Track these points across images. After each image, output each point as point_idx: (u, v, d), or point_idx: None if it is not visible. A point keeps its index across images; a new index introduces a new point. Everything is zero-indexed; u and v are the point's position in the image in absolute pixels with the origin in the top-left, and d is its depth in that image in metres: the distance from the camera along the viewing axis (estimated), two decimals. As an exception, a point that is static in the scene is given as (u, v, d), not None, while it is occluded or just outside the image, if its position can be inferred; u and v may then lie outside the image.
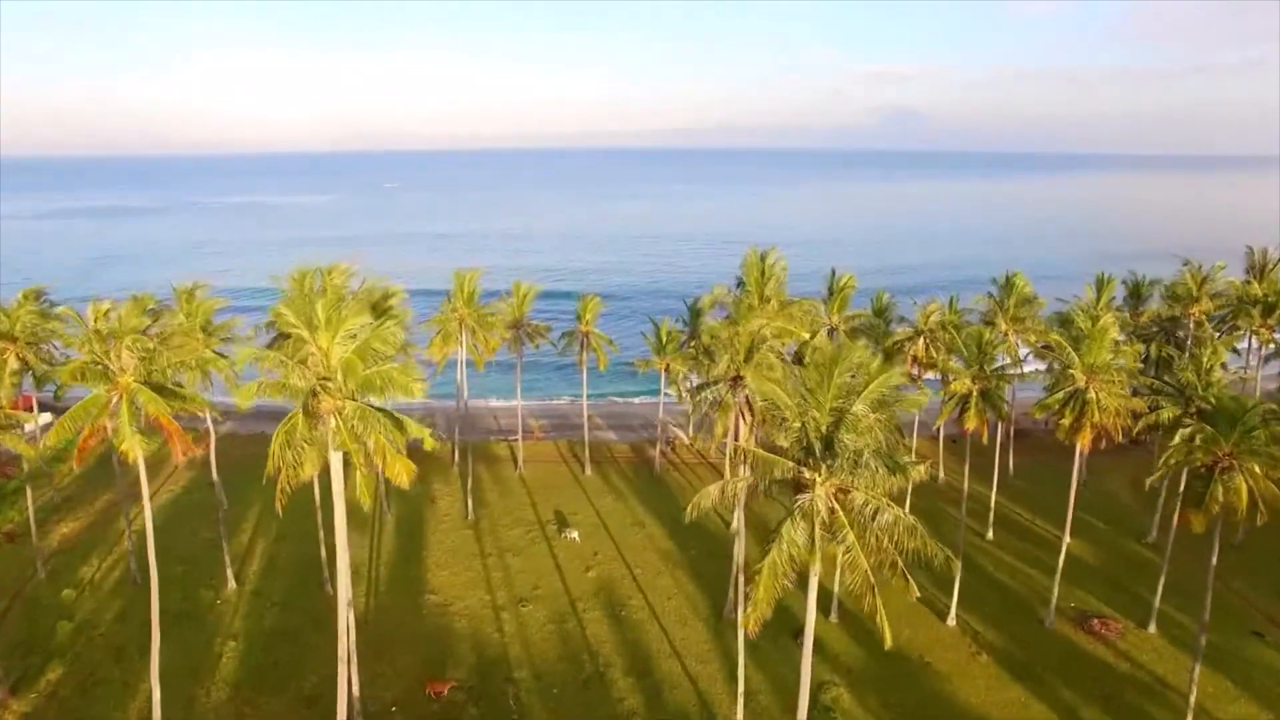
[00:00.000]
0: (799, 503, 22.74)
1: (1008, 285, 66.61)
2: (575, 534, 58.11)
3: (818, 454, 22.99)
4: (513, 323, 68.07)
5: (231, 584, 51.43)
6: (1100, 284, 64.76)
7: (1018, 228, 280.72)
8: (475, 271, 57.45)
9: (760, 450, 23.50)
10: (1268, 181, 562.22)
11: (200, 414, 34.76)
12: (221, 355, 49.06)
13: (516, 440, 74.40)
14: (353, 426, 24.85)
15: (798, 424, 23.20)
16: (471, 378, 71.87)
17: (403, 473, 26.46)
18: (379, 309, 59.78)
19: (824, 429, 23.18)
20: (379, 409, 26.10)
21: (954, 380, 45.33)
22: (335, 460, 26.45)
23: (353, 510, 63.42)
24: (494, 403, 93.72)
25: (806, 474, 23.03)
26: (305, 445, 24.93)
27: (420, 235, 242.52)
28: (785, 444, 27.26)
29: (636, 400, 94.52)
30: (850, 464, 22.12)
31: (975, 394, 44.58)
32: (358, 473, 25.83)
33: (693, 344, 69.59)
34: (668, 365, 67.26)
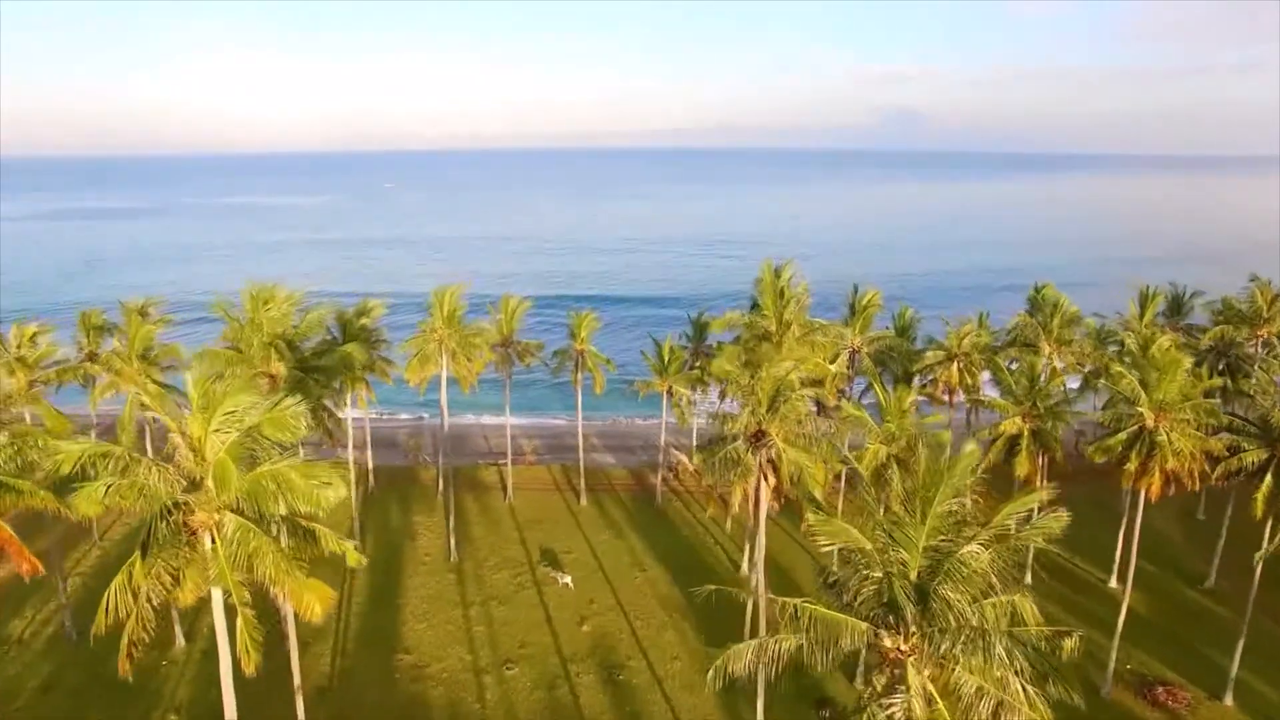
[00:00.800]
0: (889, 711, 16.23)
1: (1043, 301, 60.79)
2: (568, 579, 52.36)
3: (907, 615, 16.91)
4: (501, 341, 62.46)
5: (180, 641, 45.69)
6: (1144, 298, 58.96)
7: (1025, 229, 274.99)
8: (456, 287, 51.75)
9: (821, 608, 17.35)
10: (1269, 181, 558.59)
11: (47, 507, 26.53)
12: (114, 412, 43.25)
13: (506, 464, 68.66)
14: (233, 550, 18.51)
15: (878, 573, 17.07)
16: (461, 394, 66.28)
17: (315, 603, 20.25)
18: (350, 330, 54.29)
19: (916, 577, 17.18)
20: (280, 517, 19.78)
21: (1004, 420, 39.38)
22: (216, 597, 20.12)
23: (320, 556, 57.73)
24: (485, 419, 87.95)
25: (888, 642, 17.00)
26: (169, 574, 18.57)
27: (417, 238, 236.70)
28: (814, 517, 21.66)
29: (637, 420, 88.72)
30: (961, 638, 15.85)
31: (1027, 434, 38.80)
32: (240, 617, 19.30)
33: (698, 365, 64.05)
34: (670, 388, 61.54)
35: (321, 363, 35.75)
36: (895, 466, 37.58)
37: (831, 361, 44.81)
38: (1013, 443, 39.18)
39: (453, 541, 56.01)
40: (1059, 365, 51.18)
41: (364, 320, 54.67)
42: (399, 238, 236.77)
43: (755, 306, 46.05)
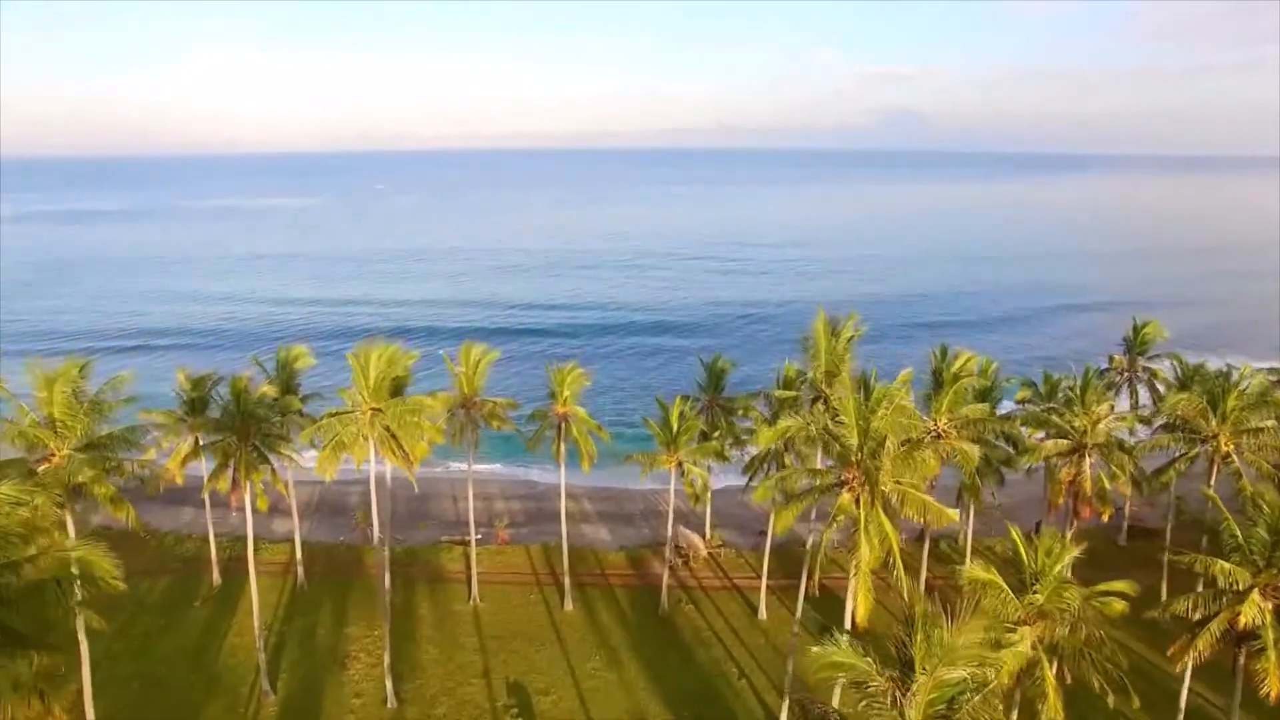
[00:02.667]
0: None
1: (1144, 341, 46.66)
2: (542, 744, 38.34)
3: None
4: (462, 401, 48.41)
5: None
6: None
7: (1041, 235, 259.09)
8: (386, 348, 37.51)
9: None
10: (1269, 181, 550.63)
11: None
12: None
13: (471, 542, 54.30)
14: None
15: None
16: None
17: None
18: (244, 404, 40.22)
19: None
20: None
21: (1238, 599, 25.01)
22: None
23: (223, 691, 43.13)
24: (456, 468, 73.42)
25: None
26: None
27: (400, 249, 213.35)
28: None
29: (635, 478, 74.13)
30: None
31: (1270, 619, 24.66)
32: None
33: (716, 435, 50.13)
34: (680, 463, 47.39)
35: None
36: (1047, 671, 23.45)
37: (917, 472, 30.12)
38: (1246, 631, 24.87)
39: (389, 683, 41.75)
40: (1241, 467, 36.36)
41: (265, 390, 40.62)
42: (380, 250, 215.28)
43: (819, 399, 32.03)
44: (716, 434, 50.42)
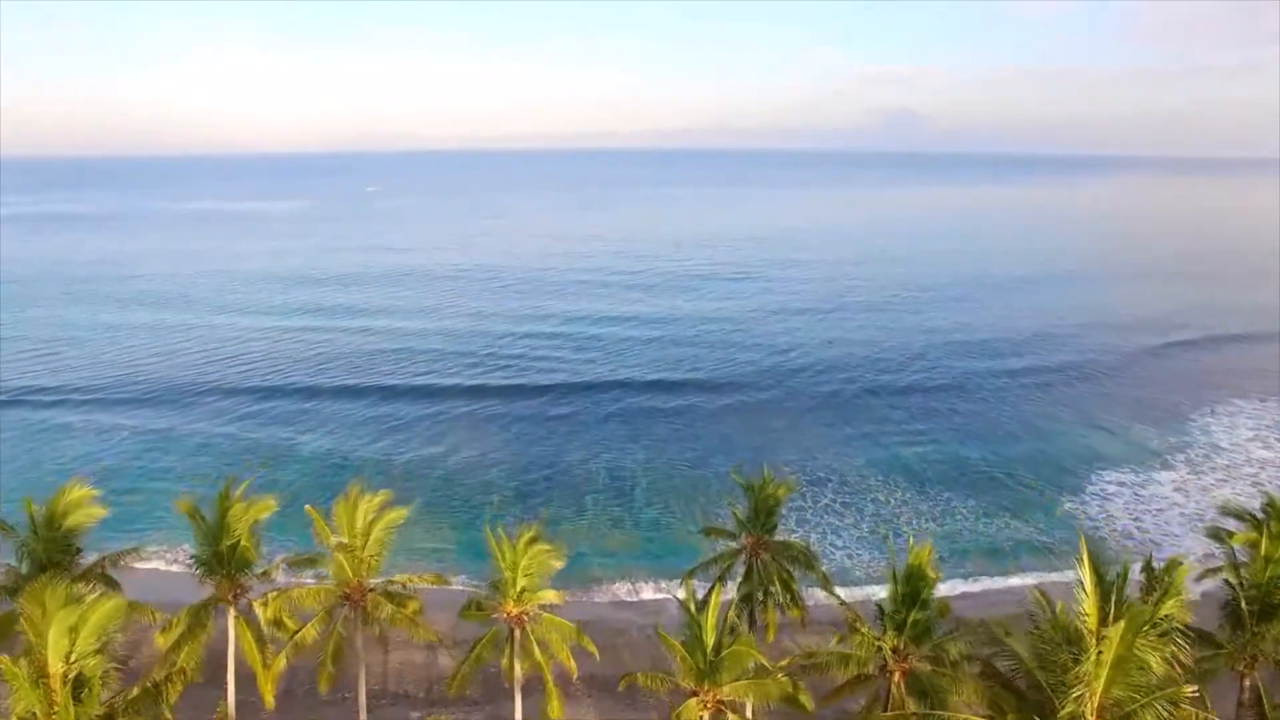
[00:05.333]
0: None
1: None
2: None
3: None
4: (346, 590, 28.74)
5: None
6: None
7: (1074, 248, 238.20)
8: (102, 605, 16.90)
9: None
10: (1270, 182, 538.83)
11: None
12: None
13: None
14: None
15: None
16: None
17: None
18: None
19: None
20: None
21: None
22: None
23: None
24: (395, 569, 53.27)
25: None
26: None
27: (372, 271, 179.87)
28: None
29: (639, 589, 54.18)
30: None
31: None
32: None
33: (767, 626, 30.39)
34: (716, 702, 27.51)
35: None
36: None
37: None
38: None
39: None
40: None
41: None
42: (354, 269, 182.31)
43: None
44: (764, 617, 30.56)
